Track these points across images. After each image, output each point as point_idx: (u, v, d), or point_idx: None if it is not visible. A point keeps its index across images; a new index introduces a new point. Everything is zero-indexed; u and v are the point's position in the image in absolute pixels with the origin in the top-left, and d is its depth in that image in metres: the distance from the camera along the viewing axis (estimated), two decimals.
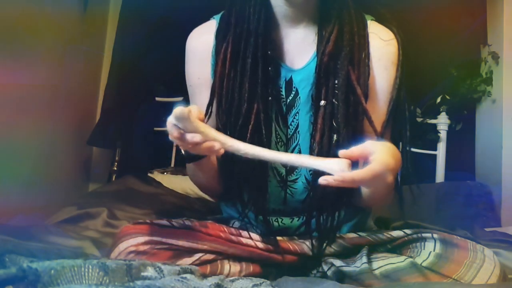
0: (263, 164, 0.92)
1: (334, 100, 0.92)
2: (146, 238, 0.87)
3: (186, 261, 0.88)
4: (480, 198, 1.83)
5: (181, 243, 0.88)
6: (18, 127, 1.62)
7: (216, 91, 0.96)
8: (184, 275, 0.73)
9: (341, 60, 0.93)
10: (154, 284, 0.62)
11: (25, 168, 1.67)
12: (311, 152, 0.94)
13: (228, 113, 0.95)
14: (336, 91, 0.92)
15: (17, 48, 1.57)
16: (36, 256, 0.80)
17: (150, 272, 0.71)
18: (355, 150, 0.75)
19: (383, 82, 0.98)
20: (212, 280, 0.74)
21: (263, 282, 0.78)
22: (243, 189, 0.98)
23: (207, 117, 0.97)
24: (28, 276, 0.61)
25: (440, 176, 2.08)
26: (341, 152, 0.75)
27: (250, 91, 0.93)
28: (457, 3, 2.07)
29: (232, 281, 0.79)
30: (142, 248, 0.86)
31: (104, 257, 0.89)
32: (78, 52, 2.02)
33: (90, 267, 0.64)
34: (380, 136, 0.93)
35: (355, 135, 0.91)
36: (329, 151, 0.91)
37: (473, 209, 1.79)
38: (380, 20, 1.02)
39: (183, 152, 0.89)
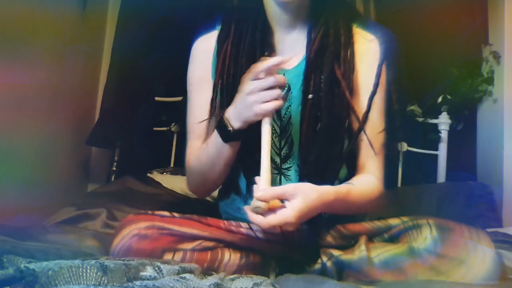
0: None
1: (320, 93, 1.02)
2: (149, 223, 0.90)
3: (187, 246, 0.90)
4: (481, 198, 1.82)
5: (183, 229, 0.91)
6: (17, 127, 1.61)
7: (218, 86, 1.07)
8: (183, 275, 0.72)
9: (327, 57, 1.04)
10: (153, 284, 0.61)
11: (24, 168, 1.67)
12: (300, 139, 1.04)
13: None
14: (322, 85, 1.03)
15: (16, 48, 1.57)
16: (35, 256, 0.80)
17: (149, 271, 0.71)
18: (270, 194, 0.84)
19: (368, 78, 1.08)
20: (212, 279, 0.74)
21: (263, 281, 0.78)
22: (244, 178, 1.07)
23: (210, 112, 1.09)
24: (26, 277, 0.60)
25: (441, 176, 2.07)
26: (257, 194, 0.83)
27: None
28: (457, 3, 2.07)
29: (232, 279, 0.78)
30: (145, 231, 0.88)
31: (106, 248, 0.91)
32: (78, 52, 2.02)
33: (88, 267, 0.64)
34: (362, 124, 1.04)
35: (339, 124, 1.04)
36: (314, 137, 1.02)
37: (474, 209, 1.78)
38: (365, 23, 1.14)
39: (231, 128, 0.96)
